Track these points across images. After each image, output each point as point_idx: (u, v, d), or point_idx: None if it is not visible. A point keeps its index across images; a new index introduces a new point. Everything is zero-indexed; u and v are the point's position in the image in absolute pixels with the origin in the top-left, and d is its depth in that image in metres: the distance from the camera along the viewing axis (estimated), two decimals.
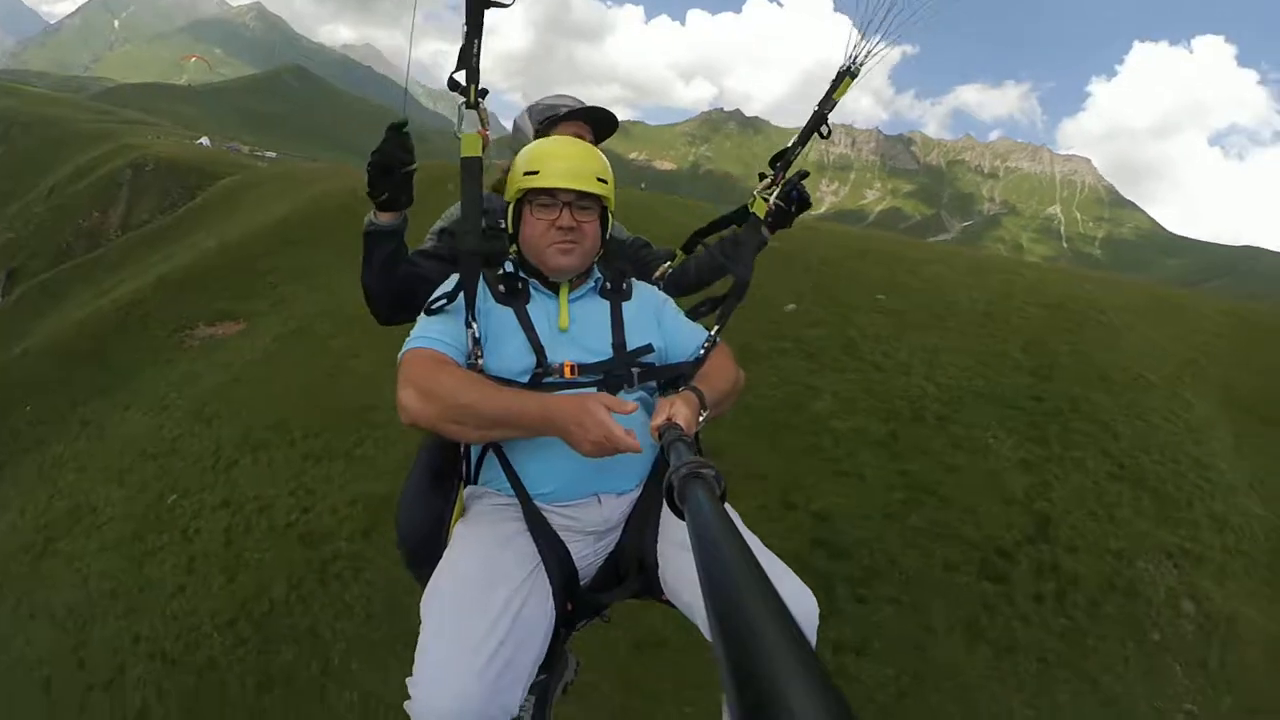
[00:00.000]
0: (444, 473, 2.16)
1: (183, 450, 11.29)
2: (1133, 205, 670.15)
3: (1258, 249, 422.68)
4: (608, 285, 2.21)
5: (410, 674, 1.63)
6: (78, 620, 8.68)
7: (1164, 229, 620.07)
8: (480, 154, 2.06)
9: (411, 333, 1.98)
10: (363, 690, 6.41)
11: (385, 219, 2.22)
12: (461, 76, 2.02)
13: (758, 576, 0.65)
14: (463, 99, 2.02)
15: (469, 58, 2.00)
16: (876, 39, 2.38)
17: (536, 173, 2.05)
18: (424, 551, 2.09)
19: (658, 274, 2.48)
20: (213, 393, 13.10)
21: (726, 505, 1.36)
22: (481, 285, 2.07)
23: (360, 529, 7.87)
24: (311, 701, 6.46)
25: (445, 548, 1.98)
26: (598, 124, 2.63)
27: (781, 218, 2.60)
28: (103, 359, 17.98)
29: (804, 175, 2.60)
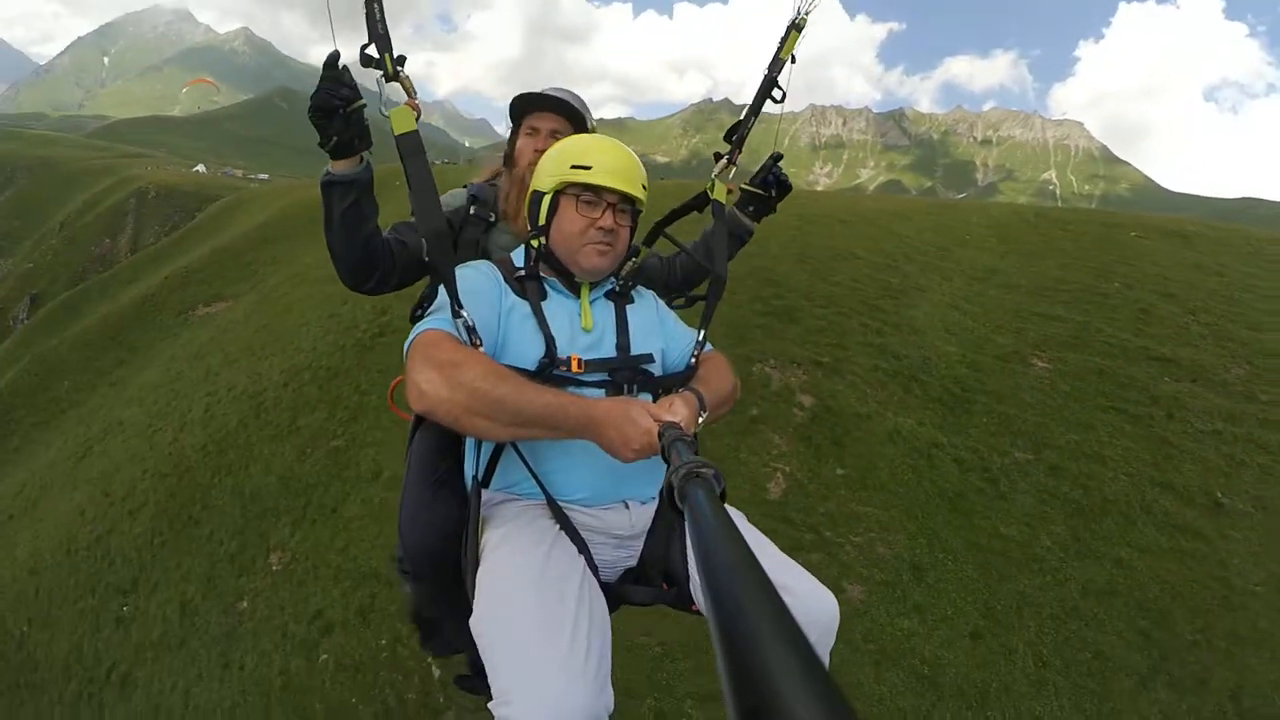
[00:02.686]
0: (443, 478, 2.04)
1: (183, 377, 15.87)
2: (1127, 164, 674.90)
3: (1256, 199, 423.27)
4: (615, 289, 2.16)
5: (491, 699, 1.52)
6: (105, 477, 13.16)
7: (1159, 185, 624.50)
8: (415, 128, 1.86)
9: (416, 326, 1.82)
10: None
11: (341, 167, 2.04)
12: (373, 50, 1.81)
13: (758, 577, 0.64)
14: (379, 72, 1.82)
15: (373, 24, 1.81)
16: None
17: (589, 168, 1.98)
18: (434, 567, 1.99)
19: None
20: (205, 342, 17.71)
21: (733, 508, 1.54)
22: (500, 278, 2.03)
23: (283, 383, 12.39)
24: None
25: (466, 567, 1.86)
26: (568, 116, 2.51)
27: (763, 204, 2.64)
28: (123, 341, 22.52)
29: (778, 158, 2.60)
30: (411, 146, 1.85)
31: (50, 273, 49.36)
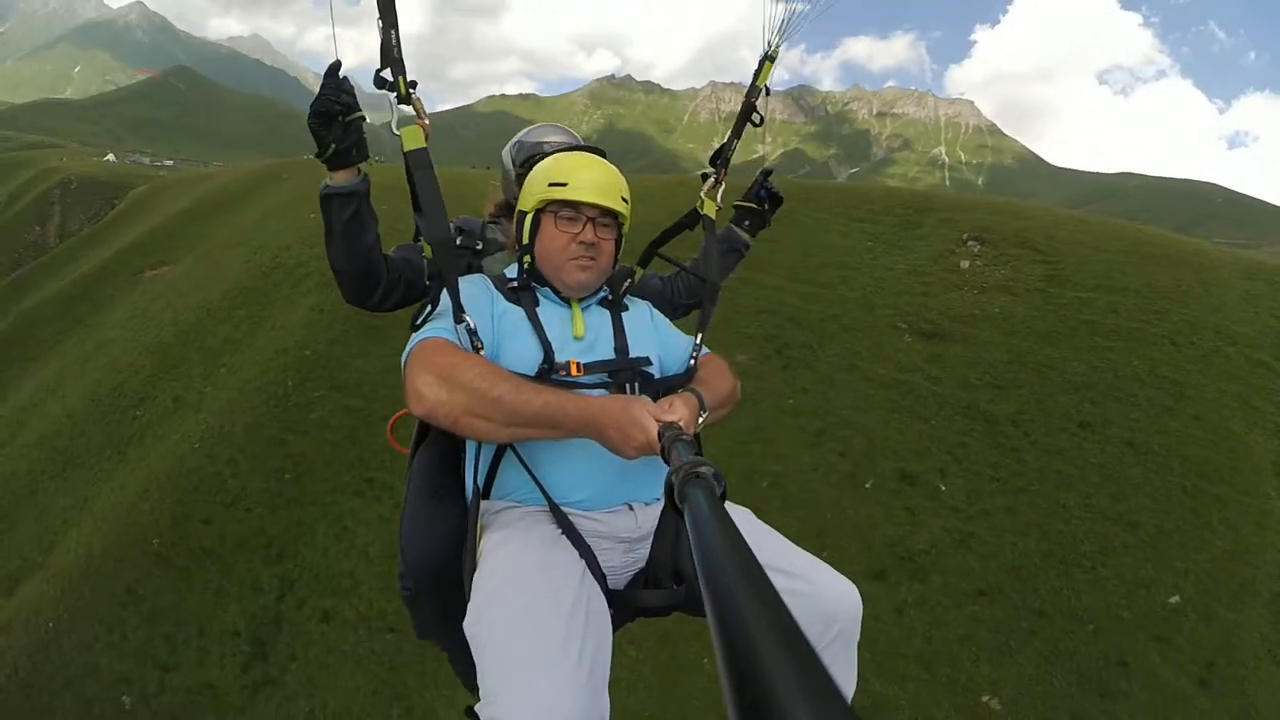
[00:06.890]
0: (444, 491, 2.09)
1: (149, 309, 23.92)
2: (1012, 139, 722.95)
3: (1131, 174, 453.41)
4: (609, 298, 2.21)
5: (478, 700, 1.49)
6: (110, 363, 21.06)
7: (1041, 159, 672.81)
8: (424, 145, 1.96)
9: (415, 334, 1.88)
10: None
11: (339, 179, 2.07)
12: (387, 73, 1.91)
13: (757, 576, 0.65)
14: (393, 94, 1.91)
15: (389, 49, 1.90)
16: (786, 21, 2.42)
17: (564, 184, 2.03)
18: (436, 581, 2.00)
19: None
20: (160, 289, 25.94)
21: (742, 506, 1.67)
22: (492, 287, 2.08)
23: (220, 295, 21.04)
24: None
25: (464, 573, 1.86)
26: None
27: (758, 219, 2.76)
28: (90, 297, 29.69)
29: (768, 173, 2.71)
30: (421, 161, 1.93)
31: None
